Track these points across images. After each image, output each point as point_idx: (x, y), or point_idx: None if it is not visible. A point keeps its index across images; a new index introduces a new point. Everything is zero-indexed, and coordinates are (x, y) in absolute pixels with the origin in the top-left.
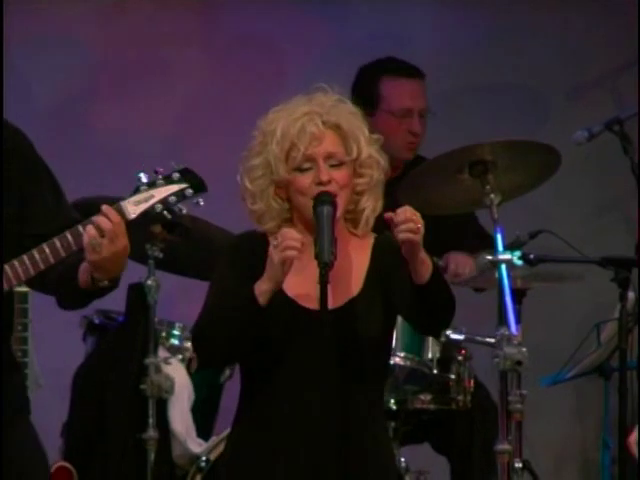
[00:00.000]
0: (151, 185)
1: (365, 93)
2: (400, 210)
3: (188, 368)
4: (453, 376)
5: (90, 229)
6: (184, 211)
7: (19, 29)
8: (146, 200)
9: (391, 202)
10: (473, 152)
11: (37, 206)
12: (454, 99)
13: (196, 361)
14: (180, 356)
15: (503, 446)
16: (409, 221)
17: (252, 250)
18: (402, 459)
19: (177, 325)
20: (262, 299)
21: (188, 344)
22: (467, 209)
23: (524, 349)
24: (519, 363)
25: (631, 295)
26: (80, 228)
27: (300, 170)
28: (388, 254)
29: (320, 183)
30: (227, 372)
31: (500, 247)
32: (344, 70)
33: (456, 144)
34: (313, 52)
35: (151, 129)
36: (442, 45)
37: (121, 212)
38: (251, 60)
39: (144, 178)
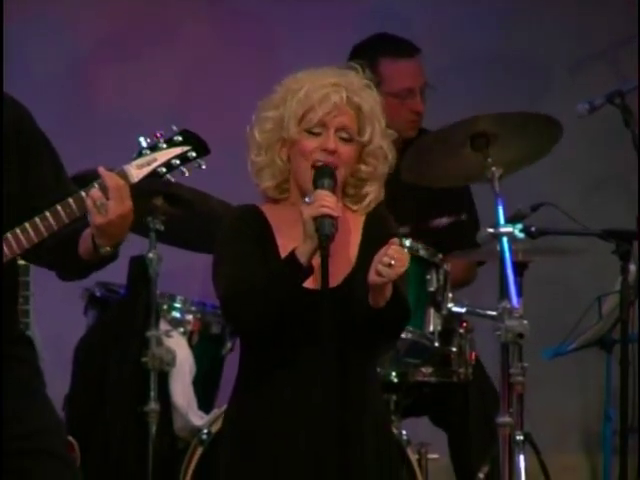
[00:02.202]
0: (153, 148)
1: None
2: (395, 248)
3: (189, 341)
4: (454, 349)
5: (95, 191)
6: (187, 174)
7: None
8: (149, 163)
9: (393, 177)
10: (474, 124)
11: (37, 180)
12: (455, 72)
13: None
14: (181, 329)
15: (504, 419)
16: (399, 261)
17: (253, 221)
18: (403, 432)
19: (178, 298)
20: (303, 259)
21: (189, 317)
22: (468, 182)
23: (525, 322)
24: (520, 336)
25: (632, 268)
26: (83, 193)
27: (310, 132)
28: (379, 227)
29: (325, 150)
30: (228, 345)
31: (502, 220)
32: (339, 43)
33: (457, 117)
34: (306, 29)
35: (150, 102)
36: (442, 18)
37: (124, 176)
38: (248, 35)
39: (145, 142)
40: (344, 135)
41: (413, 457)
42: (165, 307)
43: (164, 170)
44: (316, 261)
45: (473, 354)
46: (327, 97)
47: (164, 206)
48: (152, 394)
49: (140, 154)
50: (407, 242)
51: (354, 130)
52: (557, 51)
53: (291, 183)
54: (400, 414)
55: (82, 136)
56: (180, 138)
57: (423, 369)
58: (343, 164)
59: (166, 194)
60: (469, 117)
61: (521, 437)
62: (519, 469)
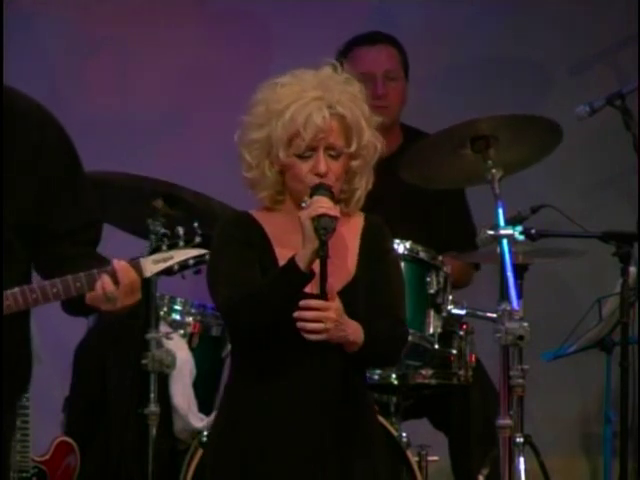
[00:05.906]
0: (172, 246)
1: None
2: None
3: (189, 343)
4: (454, 351)
5: (107, 282)
6: (199, 272)
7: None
8: (165, 260)
9: (392, 179)
10: (474, 127)
11: (53, 204)
12: (455, 74)
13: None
14: (181, 331)
15: (504, 421)
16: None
17: (246, 227)
18: (404, 434)
19: (178, 300)
20: (302, 264)
21: (189, 319)
22: (468, 184)
23: (526, 324)
24: (521, 338)
25: (632, 270)
26: (95, 273)
27: (300, 157)
28: (376, 239)
29: (317, 174)
30: (228, 347)
31: (501, 222)
32: (339, 43)
33: (457, 119)
34: (298, 28)
35: (150, 102)
36: (441, 19)
37: (138, 269)
38: (240, 34)
39: (180, 232)
40: (332, 153)
41: (413, 459)
42: (165, 309)
43: (177, 268)
44: (316, 266)
45: (473, 356)
46: (310, 120)
47: (164, 208)
48: (152, 396)
49: (158, 248)
50: (407, 244)
51: (342, 144)
52: (557, 52)
53: (286, 193)
54: (400, 416)
55: (80, 137)
56: (199, 240)
57: (423, 371)
58: (337, 180)
59: (166, 196)
60: (469, 120)
61: (521, 439)
62: (519, 471)
